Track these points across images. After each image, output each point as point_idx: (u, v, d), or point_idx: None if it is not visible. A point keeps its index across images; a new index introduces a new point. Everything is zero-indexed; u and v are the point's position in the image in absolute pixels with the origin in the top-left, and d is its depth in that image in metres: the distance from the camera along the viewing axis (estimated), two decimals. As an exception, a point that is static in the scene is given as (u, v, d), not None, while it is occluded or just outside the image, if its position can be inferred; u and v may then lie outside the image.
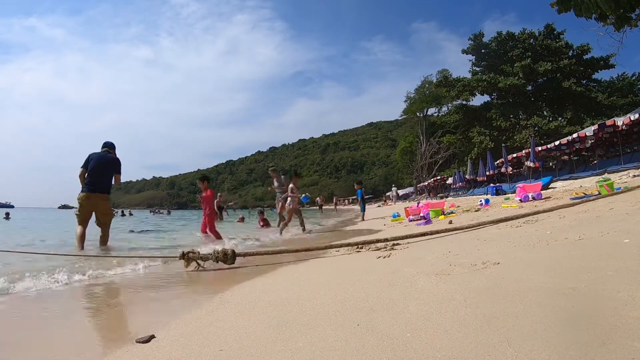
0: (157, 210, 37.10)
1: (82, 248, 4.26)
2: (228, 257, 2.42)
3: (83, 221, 4.39)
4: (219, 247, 2.51)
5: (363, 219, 9.14)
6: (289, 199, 5.86)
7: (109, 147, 4.80)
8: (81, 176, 4.53)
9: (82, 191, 4.48)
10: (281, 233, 5.85)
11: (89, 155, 4.57)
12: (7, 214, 18.10)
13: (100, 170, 4.52)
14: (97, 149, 4.70)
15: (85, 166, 4.51)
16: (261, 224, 8.26)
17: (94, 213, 4.49)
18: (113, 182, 4.69)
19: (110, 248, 4.41)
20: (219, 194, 7.41)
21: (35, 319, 1.64)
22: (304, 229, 6.05)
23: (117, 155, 4.86)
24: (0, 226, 11.59)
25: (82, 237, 4.33)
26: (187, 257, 2.45)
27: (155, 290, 2.07)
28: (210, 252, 2.47)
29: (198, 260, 2.44)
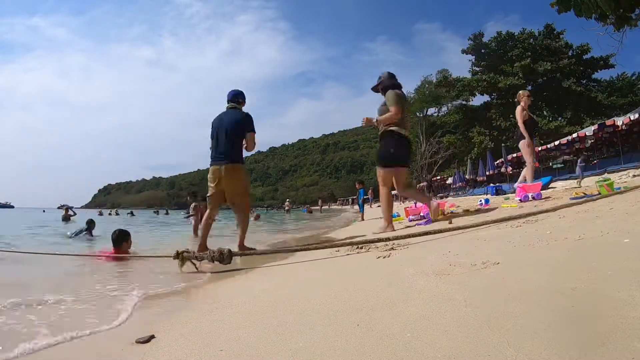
0: (158, 210, 35.79)
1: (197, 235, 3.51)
2: (224, 257, 2.38)
3: (213, 202, 3.53)
4: (214, 247, 2.48)
5: (362, 219, 9.13)
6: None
7: (229, 100, 3.68)
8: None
9: (210, 165, 3.61)
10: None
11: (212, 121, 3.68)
12: (70, 208, 15.15)
13: (221, 133, 3.52)
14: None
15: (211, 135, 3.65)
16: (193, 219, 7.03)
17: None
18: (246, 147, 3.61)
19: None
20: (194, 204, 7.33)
21: (33, 319, 1.64)
22: None
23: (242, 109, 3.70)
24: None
25: (208, 223, 3.53)
26: (182, 256, 2.42)
27: (153, 290, 2.07)
28: (205, 252, 2.45)
29: (193, 260, 2.41)
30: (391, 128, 3.70)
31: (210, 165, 3.53)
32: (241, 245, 3.44)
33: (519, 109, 5.08)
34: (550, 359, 0.71)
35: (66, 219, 13.36)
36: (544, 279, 1.18)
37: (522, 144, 5.10)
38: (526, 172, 5.07)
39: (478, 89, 30.20)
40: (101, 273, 2.83)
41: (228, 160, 3.46)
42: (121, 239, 3.61)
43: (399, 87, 3.88)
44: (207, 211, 3.56)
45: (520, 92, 5.28)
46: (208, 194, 3.54)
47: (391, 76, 3.95)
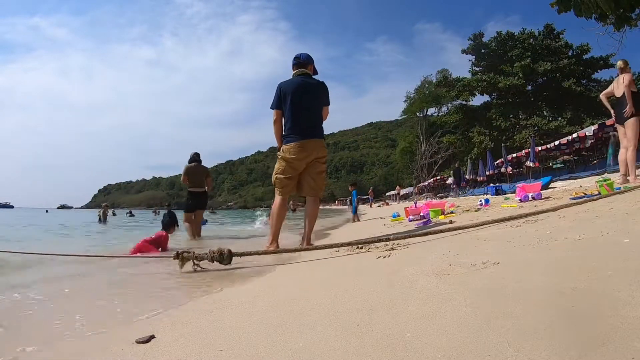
0: (156, 211, 35.45)
1: (279, 227, 3.00)
2: (224, 257, 2.40)
3: (288, 187, 3.09)
4: (214, 247, 2.49)
5: (356, 220, 9.05)
6: None
7: (302, 64, 3.11)
8: (277, 122, 3.07)
9: (289, 141, 3.00)
10: None
11: (279, 87, 3.03)
12: (108, 207, 14.60)
13: (306, 103, 3.00)
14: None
15: (278, 105, 3.03)
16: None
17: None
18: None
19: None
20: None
21: (34, 319, 1.64)
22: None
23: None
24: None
25: (283, 212, 3.11)
26: (182, 256, 2.43)
27: (154, 290, 2.07)
28: (205, 252, 2.45)
29: (193, 260, 2.42)
30: (189, 189, 5.82)
31: (297, 140, 2.95)
32: (308, 239, 3.07)
33: (628, 77, 4.11)
34: (550, 359, 0.71)
35: (104, 219, 12.65)
36: (544, 279, 1.18)
37: (634, 123, 4.07)
38: (631, 156, 4.11)
39: (478, 89, 30.22)
40: (102, 273, 2.83)
41: (321, 136, 3.06)
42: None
43: (192, 161, 5.79)
44: (281, 198, 3.07)
45: (620, 61, 4.31)
46: (286, 176, 3.02)
47: (193, 155, 5.80)
